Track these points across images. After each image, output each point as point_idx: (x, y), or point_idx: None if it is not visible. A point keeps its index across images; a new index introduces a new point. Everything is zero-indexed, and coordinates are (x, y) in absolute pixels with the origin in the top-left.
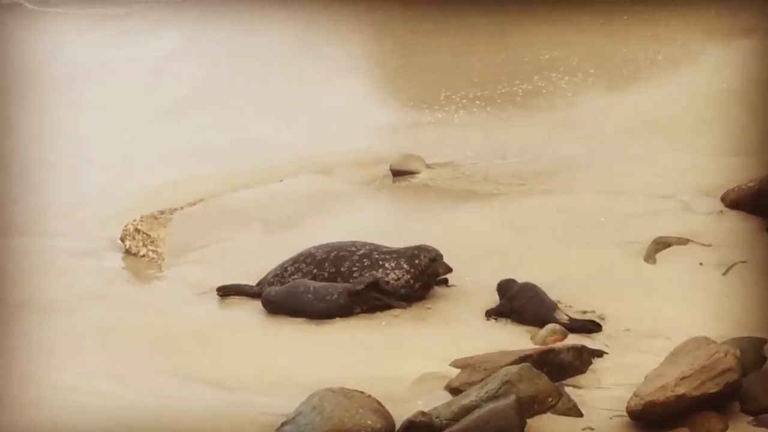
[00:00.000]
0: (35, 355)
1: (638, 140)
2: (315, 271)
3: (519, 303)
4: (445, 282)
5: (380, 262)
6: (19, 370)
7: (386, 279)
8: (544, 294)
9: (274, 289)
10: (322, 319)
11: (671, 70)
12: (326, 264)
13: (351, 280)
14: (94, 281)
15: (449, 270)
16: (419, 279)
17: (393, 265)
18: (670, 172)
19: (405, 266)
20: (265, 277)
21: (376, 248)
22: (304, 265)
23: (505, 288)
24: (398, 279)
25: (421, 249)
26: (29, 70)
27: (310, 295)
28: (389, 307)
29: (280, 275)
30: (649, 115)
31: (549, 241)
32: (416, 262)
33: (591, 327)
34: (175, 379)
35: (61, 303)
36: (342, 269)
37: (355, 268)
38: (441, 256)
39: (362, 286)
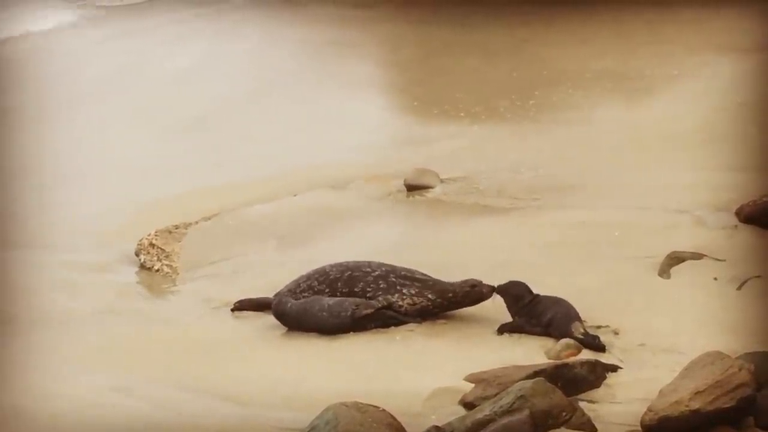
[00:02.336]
0: (48, 369)
1: (652, 155)
2: (327, 290)
3: (548, 317)
4: None
5: (397, 287)
6: (31, 384)
7: (400, 303)
8: (570, 305)
9: (290, 301)
10: (336, 334)
11: (686, 85)
12: (339, 284)
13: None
14: (109, 295)
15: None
16: (440, 307)
17: (413, 292)
18: (684, 187)
19: (429, 296)
20: (280, 291)
21: (393, 270)
22: (316, 283)
23: (522, 294)
24: (414, 304)
25: (466, 283)
26: (47, 85)
27: (324, 313)
28: (403, 322)
29: (293, 290)
30: (664, 130)
31: (563, 256)
32: (449, 296)
33: (595, 344)
34: (189, 393)
35: (75, 316)
36: (356, 290)
37: (369, 289)
38: (481, 282)
39: (371, 310)
